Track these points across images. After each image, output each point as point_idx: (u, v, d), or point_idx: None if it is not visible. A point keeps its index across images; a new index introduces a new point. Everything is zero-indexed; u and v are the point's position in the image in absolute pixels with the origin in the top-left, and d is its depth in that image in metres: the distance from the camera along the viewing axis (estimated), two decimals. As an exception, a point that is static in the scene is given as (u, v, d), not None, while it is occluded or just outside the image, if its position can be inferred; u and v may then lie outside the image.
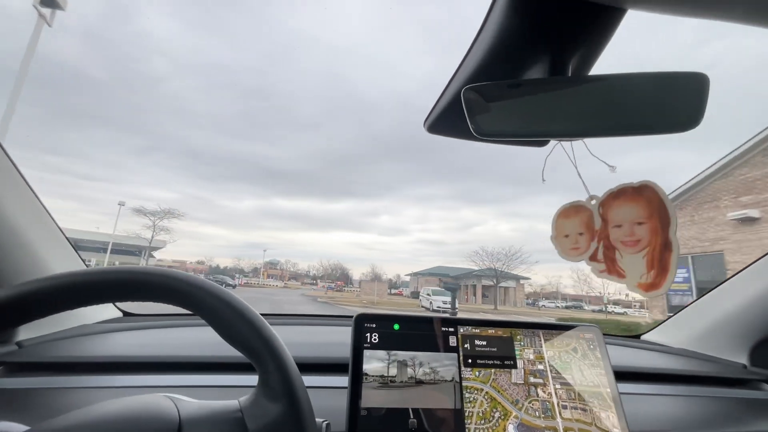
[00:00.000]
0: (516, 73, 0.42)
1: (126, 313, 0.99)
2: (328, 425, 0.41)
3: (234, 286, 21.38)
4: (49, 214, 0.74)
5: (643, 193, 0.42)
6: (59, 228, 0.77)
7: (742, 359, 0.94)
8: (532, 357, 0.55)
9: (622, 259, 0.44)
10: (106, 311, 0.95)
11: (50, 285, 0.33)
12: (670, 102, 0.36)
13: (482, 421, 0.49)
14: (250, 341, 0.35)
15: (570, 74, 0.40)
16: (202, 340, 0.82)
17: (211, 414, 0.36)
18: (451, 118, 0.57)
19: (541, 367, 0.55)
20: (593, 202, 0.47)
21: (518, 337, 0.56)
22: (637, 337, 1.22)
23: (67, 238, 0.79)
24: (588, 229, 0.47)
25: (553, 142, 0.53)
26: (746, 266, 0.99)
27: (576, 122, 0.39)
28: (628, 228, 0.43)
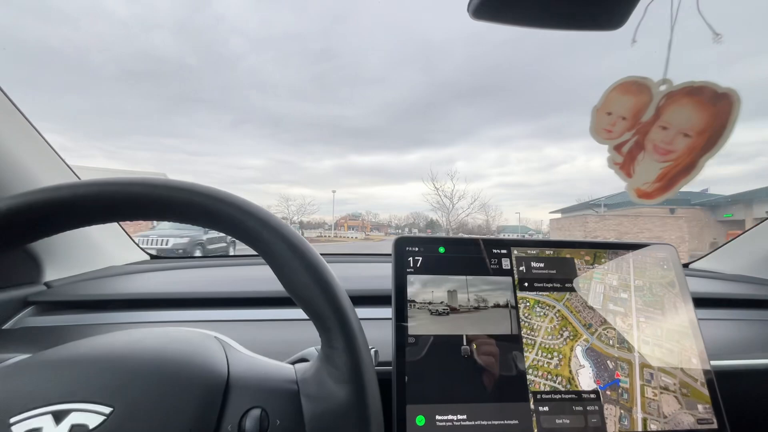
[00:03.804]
0: None
1: (153, 256, 0.98)
2: (376, 353, 0.37)
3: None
4: (38, 132, 0.67)
5: (717, 103, 0.35)
6: (50, 146, 0.70)
7: None
8: (615, 283, 0.48)
9: (642, 161, 0.41)
10: (132, 255, 0.93)
11: (61, 195, 0.26)
12: None
13: (550, 337, 0.44)
14: (319, 306, 0.29)
15: None
16: (237, 277, 0.79)
17: (263, 378, 0.31)
18: None
19: (624, 295, 0.48)
20: (662, 87, 0.40)
21: (602, 260, 0.49)
22: (685, 266, 1.14)
23: (58, 154, 0.71)
24: (634, 117, 0.42)
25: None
26: None
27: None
28: (671, 134, 0.39)
